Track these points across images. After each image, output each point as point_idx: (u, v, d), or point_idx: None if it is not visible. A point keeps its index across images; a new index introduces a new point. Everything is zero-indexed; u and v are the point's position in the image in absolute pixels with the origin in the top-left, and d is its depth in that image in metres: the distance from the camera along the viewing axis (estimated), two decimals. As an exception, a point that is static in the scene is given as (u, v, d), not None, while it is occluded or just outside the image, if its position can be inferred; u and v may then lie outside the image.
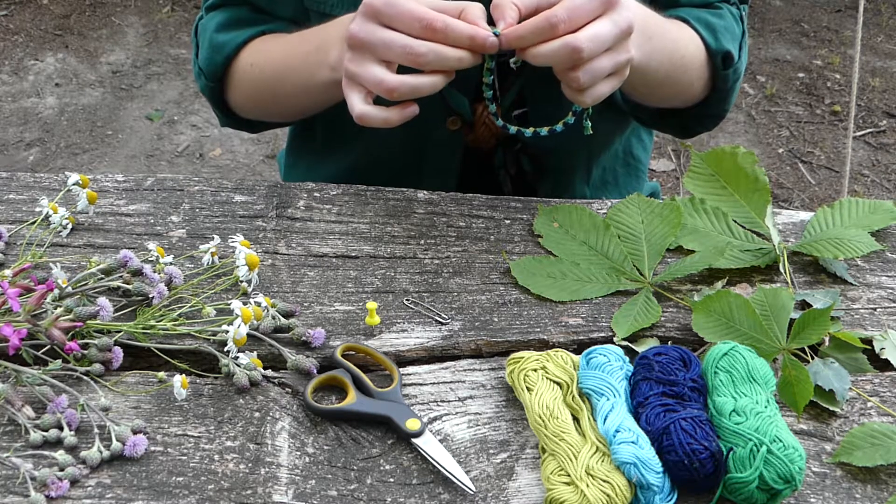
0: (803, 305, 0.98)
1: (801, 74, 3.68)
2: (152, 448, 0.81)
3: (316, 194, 1.11)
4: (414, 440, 0.82)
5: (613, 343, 0.92)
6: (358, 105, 0.95)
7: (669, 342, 0.94)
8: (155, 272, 0.94)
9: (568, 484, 0.77)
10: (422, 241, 1.05)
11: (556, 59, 0.92)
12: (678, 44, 1.12)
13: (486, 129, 1.19)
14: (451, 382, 0.89)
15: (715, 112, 1.23)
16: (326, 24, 1.08)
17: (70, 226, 1.03)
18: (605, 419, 0.81)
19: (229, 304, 0.89)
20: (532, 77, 1.13)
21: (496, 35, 0.92)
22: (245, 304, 0.90)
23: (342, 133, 1.27)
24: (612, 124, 1.28)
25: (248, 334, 0.88)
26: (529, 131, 1.03)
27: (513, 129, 1.03)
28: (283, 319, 0.92)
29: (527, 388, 0.85)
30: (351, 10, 1.13)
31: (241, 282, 0.96)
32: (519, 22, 0.93)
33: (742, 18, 1.23)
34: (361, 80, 0.95)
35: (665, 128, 1.28)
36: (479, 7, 0.94)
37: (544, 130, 1.03)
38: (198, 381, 0.87)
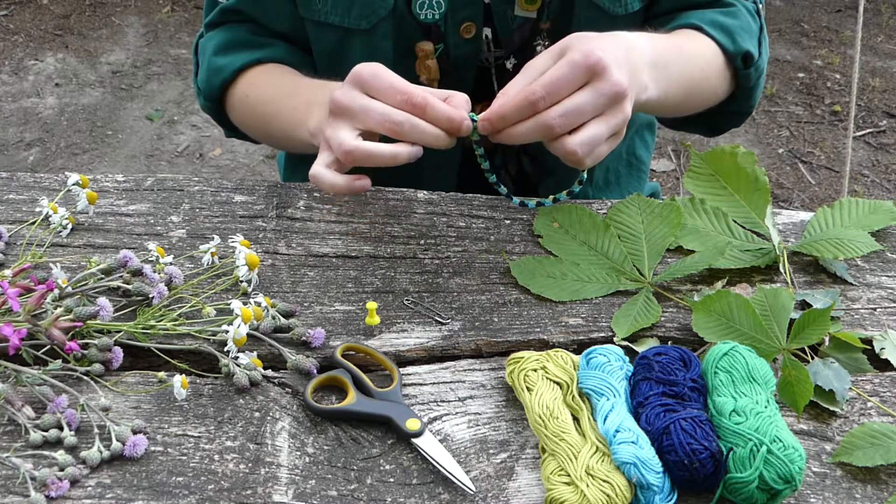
0: (803, 305, 0.98)
1: (801, 74, 3.68)
2: (152, 448, 0.81)
3: (316, 194, 1.11)
4: (414, 440, 0.82)
5: (613, 343, 0.92)
6: (316, 165, 0.96)
7: (669, 342, 0.94)
8: (155, 272, 0.94)
9: (568, 484, 0.77)
10: (422, 241, 1.05)
11: (531, 136, 0.92)
12: (695, 60, 1.12)
13: None
14: (451, 382, 0.89)
15: (741, 109, 1.24)
16: (320, 84, 1.09)
17: (70, 226, 1.03)
18: (605, 419, 0.81)
19: (229, 304, 0.89)
20: None
21: (474, 120, 0.94)
22: (245, 304, 0.90)
23: None
24: None
25: (248, 334, 0.88)
26: (533, 202, 1.06)
27: (516, 200, 1.06)
28: (283, 319, 0.92)
29: (527, 388, 0.85)
30: (344, 18, 1.13)
31: (241, 282, 0.96)
32: None
33: (759, 12, 1.22)
34: (329, 143, 0.96)
35: (692, 129, 1.29)
36: (464, 96, 0.96)
37: (548, 201, 1.06)
38: (198, 381, 0.87)
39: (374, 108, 0.93)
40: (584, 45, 0.92)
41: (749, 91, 1.21)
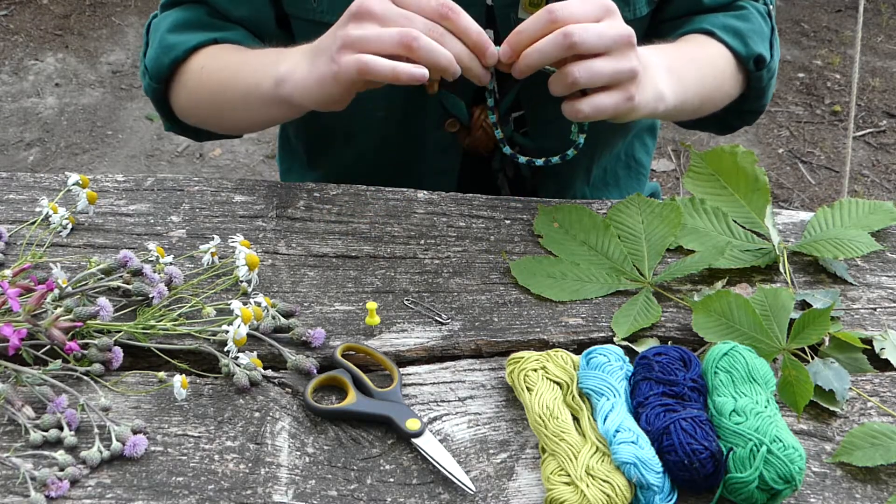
0: (803, 305, 0.98)
1: (801, 74, 3.68)
2: (152, 448, 0.81)
3: (316, 194, 1.11)
4: (414, 440, 0.82)
5: (613, 343, 0.92)
6: (363, 57, 0.92)
7: (669, 342, 0.94)
8: (155, 272, 0.94)
9: (568, 484, 0.77)
10: (422, 241, 1.05)
11: (548, 47, 0.93)
12: (709, 67, 1.13)
13: (483, 133, 1.19)
14: (451, 382, 0.89)
15: (753, 108, 1.25)
16: (284, 48, 1.06)
17: (70, 226, 1.03)
18: (605, 419, 0.81)
19: (229, 304, 0.89)
20: (529, 81, 1.14)
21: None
22: (245, 304, 0.90)
23: (328, 143, 1.27)
24: (612, 124, 1.28)
25: (248, 334, 0.88)
26: (524, 159, 1.06)
27: (509, 150, 1.06)
28: (283, 319, 0.92)
29: (527, 388, 0.85)
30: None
31: (241, 282, 0.96)
32: None
33: (769, 14, 1.23)
34: (367, 43, 0.92)
35: (704, 128, 1.30)
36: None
37: (539, 161, 1.06)
38: (198, 381, 0.87)
39: (413, 16, 0.93)
40: None
41: (761, 91, 1.22)
